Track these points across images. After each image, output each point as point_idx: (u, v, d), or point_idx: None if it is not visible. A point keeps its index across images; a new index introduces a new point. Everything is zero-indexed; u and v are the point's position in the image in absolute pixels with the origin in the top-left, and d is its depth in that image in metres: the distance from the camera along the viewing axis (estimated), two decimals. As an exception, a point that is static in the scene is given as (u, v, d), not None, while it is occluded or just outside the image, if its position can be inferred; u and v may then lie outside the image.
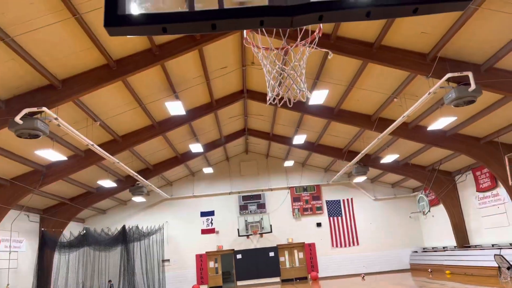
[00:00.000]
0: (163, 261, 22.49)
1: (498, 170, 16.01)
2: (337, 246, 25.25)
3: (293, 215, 25.71)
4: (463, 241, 20.62)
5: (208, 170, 24.54)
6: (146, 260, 19.44)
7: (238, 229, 24.41)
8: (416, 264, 24.14)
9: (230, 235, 24.72)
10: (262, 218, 24.78)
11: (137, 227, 19.44)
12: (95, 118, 13.55)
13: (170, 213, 25.00)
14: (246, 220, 24.68)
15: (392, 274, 23.29)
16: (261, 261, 24.51)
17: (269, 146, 24.15)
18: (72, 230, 18.83)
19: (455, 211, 20.97)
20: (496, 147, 15.82)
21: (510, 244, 16.99)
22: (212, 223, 25.20)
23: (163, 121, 16.33)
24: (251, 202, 25.58)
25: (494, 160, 15.97)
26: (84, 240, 17.59)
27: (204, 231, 25.06)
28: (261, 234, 24.74)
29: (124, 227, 18.21)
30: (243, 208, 25.40)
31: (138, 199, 21.86)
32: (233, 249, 24.76)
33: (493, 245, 18.07)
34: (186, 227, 24.84)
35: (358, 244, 25.24)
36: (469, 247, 20.15)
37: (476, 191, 19.32)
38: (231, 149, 24.71)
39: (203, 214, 25.37)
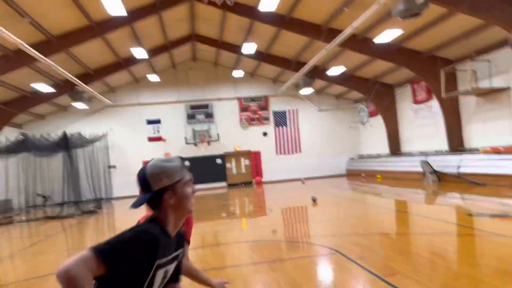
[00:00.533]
0: (109, 167, 22.47)
1: (434, 83, 16.95)
2: (281, 153, 26.48)
3: (241, 125, 26.18)
4: (395, 149, 22.40)
5: (153, 77, 23.63)
6: (90, 166, 19.24)
7: (185, 137, 24.62)
8: (352, 170, 26.16)
9: (177, 143, 24.91)
10: (209, 127, 25.03)
11: (79, 133, 18.84)
12: (23, 13, 12.19)
13: (114, 120, 24.41)
14: (193, 129, 24.83)
15: (330, 178, 25.16)
16: (208, 168, 25.30)
17: (217, 54, 23.46)
18: (8, 135, 17.92)
19: (391, 122, 22.38)
20: (435, 61, 16.54)
21: (436, 151, 18.73)
22: (159, 131, 25.10)
23: (102, 22, 15.07)
24: (199, 111, 25.52)
25: (431, 74, 16.80)
26: (22, 146, 16.88)
27: (151, 139, 25.01)
28: (208, 142, 25.17)
29: (65, 133, 17.54)
30: (190, 117, 25.35)
31: (79, 105, 20.94)
32: (181, 156, 25.18)
33: (421, 153, 19.83)
34: (132, 134, 24.60)
35: (301, 152, 26.61)
36: (400, 154, 22.00)
37: (412, 103, 20.55)
38: (177, 56, 23.73)
39: (150, 122, 25.08)
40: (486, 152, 14.84)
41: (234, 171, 26.00)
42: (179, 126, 25.02)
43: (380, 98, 21.94)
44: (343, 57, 18.92)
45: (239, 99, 26.19)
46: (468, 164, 15.61)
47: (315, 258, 6.27)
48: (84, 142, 18.70)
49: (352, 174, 25.85)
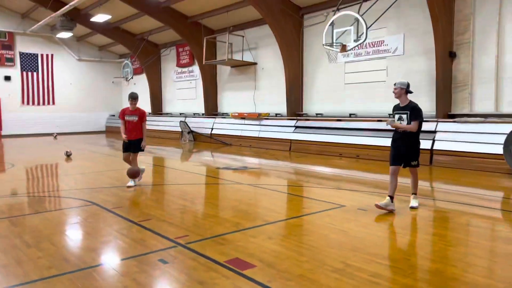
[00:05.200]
0: None
1: (196, 49, 18.04)
2: (28, 103, 22.96)
3: (-27, 63, 21.13)
4: (157, 109, 22.93)
5: None
6: None
7: None
8: (112, 126, 25.32)
9: None
10: None
11: None
12: None
13: None
14: None
15: (88, 134, 23.62)
16: None
17: None
18: None
19: (155, 81, 22.69)
20: (199, 28, 17.56)
21: (194, 113, 20.22)
22: None
23: None
24: None
25: (195, 40, 17.81)
26: None
27: None
28: None
29: None
30: None
31: None
32: None
33: (180, 114, 21.01)
34: None
35: (54, 103, 23.79)
36: (162, 114, 22.69)
37: (176, 66, 21.35)
38: None
39: None
40: (234, 117, 17.04)
41: (-39, 119, 20.98)
42: None
43: (146, 57, 21.81)
44: (110, 5, 17.65)
45: (-29, 30, 20.97)
46: (219, 126, 17.60)
47: (67, 210, 5.82)
48: None
49: (111, 131, 25.03)
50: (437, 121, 10.73)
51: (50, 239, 4.33)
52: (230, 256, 3.78)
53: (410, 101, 5.50)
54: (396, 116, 5.54)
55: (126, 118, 7.52)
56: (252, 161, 11.92)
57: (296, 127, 14.34)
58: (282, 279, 3.25)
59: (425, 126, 10.68)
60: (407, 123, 5.39)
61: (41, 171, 10.17)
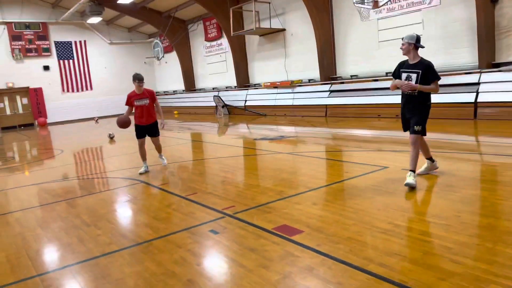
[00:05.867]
0: None
1: (223, 21, 17.86)
2: (68, 91, 23.85)
3: (13, 56, 22.04)
4: (190, 85, 23.16)
5: None
6: None
7: None
8: (149, 107, 25.88)
9: None
10: (-32, 58, 20.15)
11: None
12: None
13: None
14: None
15: (126, 117, 24.32)
16: (-29, 109, 20.73)
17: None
18: None
19: (186, 58, 22.80)
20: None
21: (226, 87, 20.26)
22: None
23: None
24: (-50, 37, 20.09)
25: (221, 12, 17.60)
26: None
27: None
28: (-32, 77, 20.40)
29: None
30: None
31: None
32: None
33: (213, 88, 21.13)
34: None
35: (91, 89, 24.56)
36: (195, 90, 22.92)
37: (205, 40, 21.31)
38: None
39: None
40: (266, 86, 16.94)
41: (8, 111, 22.17)
42: None
43: (174, 34, 21.87)
44: (134, -15, 17.71)
45: (8, 24, 21.76)
46: (253, 98, 17.59)
47: (117, 190, 6.12)
48: None
49: (148, 111, 25.59)
50: (480, 72, 10.20)
51: (106, 218, 4.60)
52: (277, 223, 3.87)
53: (422, 58, 4.68)
54: (404, 75, 4.73)
55: (136, 103, 6.85)
56: (288, 129, 11.90)
57: (331, 91, 14.09)
58: (331, 242, 3.31)
59: (468, 79, 10.32)
60: (416, 83, 4.59)
61: (88, 154, 10.66)
